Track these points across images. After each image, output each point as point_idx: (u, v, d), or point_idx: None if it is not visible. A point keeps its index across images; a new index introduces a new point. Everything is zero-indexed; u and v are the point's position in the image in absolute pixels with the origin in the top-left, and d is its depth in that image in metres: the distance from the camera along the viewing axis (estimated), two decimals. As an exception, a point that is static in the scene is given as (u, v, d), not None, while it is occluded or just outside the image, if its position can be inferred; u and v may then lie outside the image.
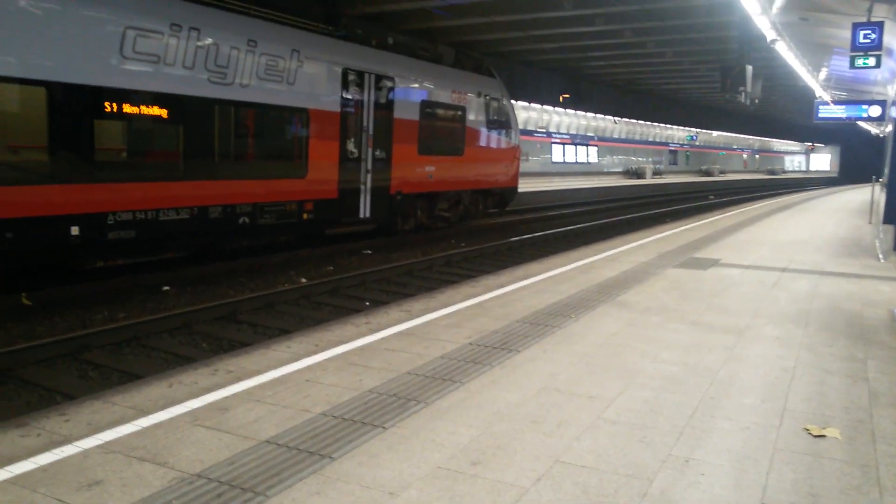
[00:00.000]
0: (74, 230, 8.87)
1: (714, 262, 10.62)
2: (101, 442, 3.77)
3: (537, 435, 4.01)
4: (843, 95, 28.45)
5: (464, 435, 3.98)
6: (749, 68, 18.83)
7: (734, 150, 77.17)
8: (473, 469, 3.57)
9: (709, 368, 5.36)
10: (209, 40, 10.30)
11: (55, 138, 8.66)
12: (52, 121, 8.57)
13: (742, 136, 74.53)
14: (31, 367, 6.81)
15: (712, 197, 40.56)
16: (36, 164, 8.73)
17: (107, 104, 9.17)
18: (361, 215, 14.03)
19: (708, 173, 65.64)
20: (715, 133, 67.86)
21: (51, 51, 8.45)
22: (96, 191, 9.13)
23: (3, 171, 8.43)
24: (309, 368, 5.11)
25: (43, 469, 3.45)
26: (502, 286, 8.38)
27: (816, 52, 19.84)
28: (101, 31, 8.96)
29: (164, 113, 9.93)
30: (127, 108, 9.42)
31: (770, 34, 15.70)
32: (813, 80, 24.11)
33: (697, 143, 65.79)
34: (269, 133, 12.32)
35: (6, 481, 3.32)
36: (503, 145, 18.98)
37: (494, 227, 19.78)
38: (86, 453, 3.63)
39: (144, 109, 9.65)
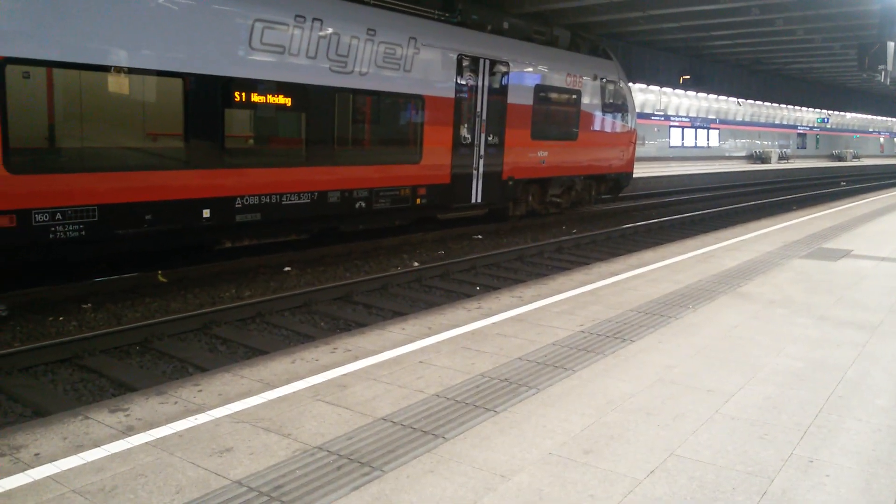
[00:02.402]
0: (206, 213, 9.42)
1: (845, 254, 10.01)
2: (230, 412, 4.02)
3: (651, 427, 3.95)
4: None
5: (576, 423, 3.97)
6: (891, 45, 17.44)
7: (870, 132, 72.04)
8: (585, 457, 3.56)
9: (837, 365, 5.09)
10: (331, 30, 10.62)
11: (190, 126, 9.21)
12: (187, 110, 9.12)
13: (879, 118, 69.39)
14: (166, 340, 7.32)
15: (844, 183, 38.05)
16: (173, 151, 9.32)
17: (236, 94, 9.65)
18: (473, 200, 14.12)
19: (840, 158, 61.62)
20: (849, 115, 63.52)
21: (186, 44, 8.97)
22: (226, 176, 9.65)
23: (143, 158, 9.06)
24: (422, 350, 5.23)
25: (179, 435, 3.72)
26: (616, 274, 8.24)
27: (970, 25, 18.14)
28: (231, 23, 9.42)
29: (287, 101, 10.34)
30: (254, 98, 9.89)
31: (916, 8, 14.50)
32: (965, 57, 22.08)
33: (829, 126, 61.84)
34: (386, 120, 12.59)
35: (148, 444, 3.61)
36: (619, 129, 18.54)
37: (608, 214, 19.41)
38: (217, 422, 3.89)
39: (270, 98, 10.09)
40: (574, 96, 16.59)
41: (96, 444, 3.58)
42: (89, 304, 8.42)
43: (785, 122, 56.24)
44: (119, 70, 8.42)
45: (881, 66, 17.51)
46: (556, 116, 16.20)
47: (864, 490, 3.29)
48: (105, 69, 8.30)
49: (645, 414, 4.12)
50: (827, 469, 3.50)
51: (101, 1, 8.12)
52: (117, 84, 8.59)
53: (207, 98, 9.30)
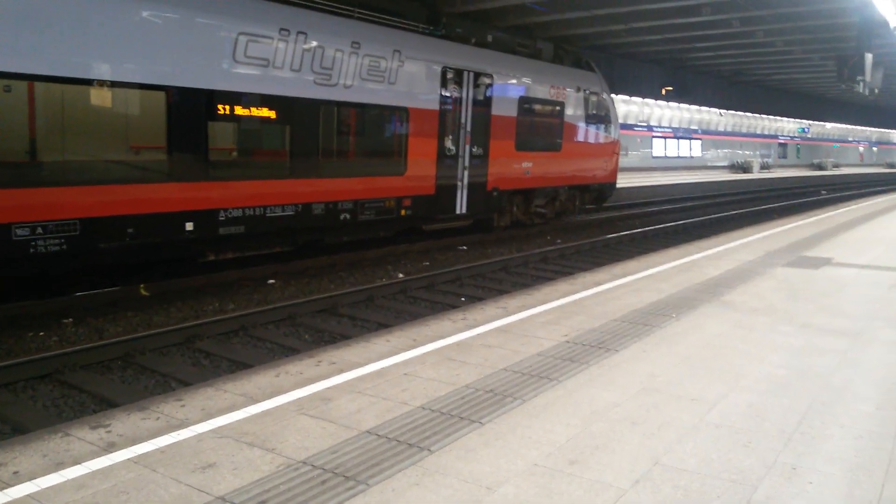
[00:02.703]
0: (189, 226, 9.37)
1: (826, 262, 10.10)
2: (213, 427, 3.99)
3: (636, 436, 3.95)
4: (976, 83, 26.34)
5: (561, 433, 3.97)
6: (869, 56, 17.69)
7: (849, 142, 72.95)
8: (571, 468, 3.56)
9: (820, 373, 5.13)
10: (315, 43, 10.62)
11: (173, 139, 9.16)
12: (170, 123, 9.07)
13: (858, 127, 70.28)
14: (149, 354, 7.25)
15: (825, 192, 38.48)
16: (155, 164, 9.26)
17: (220, 106, 9.62)
18: (458, 211, 14.14)
19: (820, 167, 62.34)
20: (828, 125, 64.31)
21: (170, 57, 8.94)
22: (209, 189, 9.61)
23: (125, 171, 9.01)
24: (407, 362, 5.22)
25: (161, 451, 3.69)
26: (600, 284, 8.27)
27: (945, 36, 18.45)
28: (215, 37, 9.40)
29: (272, 114, 10.32)
30: (238, 110, 9.86)
31: (894, 19, 14.73)
32: (940, 68, 22.44)
33: (809, 136, 62.56)
34: (371, 132, 12.60)
35: (129, 460, 3.57)
36: (602, 140, 18.66)
37: (592, 224, 19.49)
38: (200, 437, 3.85)
39: (254, 111, 10.07)
40: (558, 108, 16.69)
41: (77, 461, 3.54)
42: (70, 319, 8.33)
43: (766, 132, 56.84)
44: (102, 83, 8.38)
45: (859, 77, 17.75)
46: (539, 128, 16.28)
47: (847, 496, 3.31)
48: (88, 83, 8.26)
49: (630, 423, 4.13)
50: (810, 476, 3.52)
51: (83, 15, 8.08)
52: (100, 97, 8.54)
53: (190, 111, 9.27)
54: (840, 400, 4.59)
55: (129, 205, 8.73)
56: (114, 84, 8.48)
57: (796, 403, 4.50)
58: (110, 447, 3.71)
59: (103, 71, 8.33)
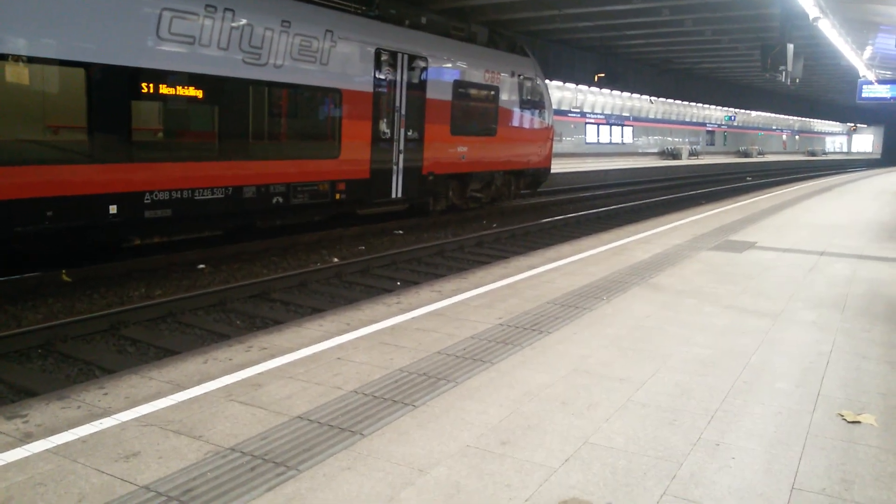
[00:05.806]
0: (112, 209, 9.04)
1: (750, 245, 10.46)
2: (138, 415, 3.86)
3: (567, 416, 4.01)
4: (888, 75, 27.64)
5: (493, 414, 4.00)
6: (790, 47, 18.34)
7: (773, 130, 75.62)
8: (502, 448, 3.59)
9: (742, 352, 5.30)
10: (243, 21, 10.35)
11: (94, 119, 8.81)
12: (91, 102, 8.71)
13: (782, 116, 72.92)
14: (71, 342, 6.99)
15: (750, 178, 39.89)
16: (75, 144, 8.89)
17: (144, 85, 9.30)
18: (393, 195, 14.07)
19: (746, 154, 64.50)
20: (753, 113, 66.51)
21: (90, 32, 8.57)
22: (134, 170, 9.28)
23: (42, 151, 8.61)
24: (341, 347, 5.16)
25: (83, 440, 3.55)
26: (533, 267, 8.36)
27: (861, 29, 19.27)
28: (138, 12, 9.06)
29: (199, 94, 10.03)
30: (163, 89, 9.54)
31: (813, 11, 15.28)
32: (857, 59, 23.46)
33: (735, 124, 64.60)
34: (303, 113, 12.39)
35: (48, 451, 3.42)
36: (536, 125, 18.83)
37: (526, 208, 19.70)
38: (123, 426, 3.73)
39: (180, 90, 9.76)
40: (492, 92, 16.74)
41: (-10, 454, 3.38)
42: (-14, 306, 7.96)
43: (695, 120, 58.36)
44: (17, 59, 7.97)
45: (782, 67, 18.38)
46: (475, 112, 16.31)
47: (766, 471, 3.44)
48: (2, 58, 7.85)
49: (560, 403, 4.19)
50: (732, 452, 3.63)
51: None
52: (15, 74, 8.13)
53: (113, 89, 8.92)
54: (761, 378, 4.75)
55: (47, 187, 8.36)
56: (31, 60, 8.08)
57: (720, 382, 4.64)
58: (27, 438, 3.56)
59: (20, 46, 7.93)
